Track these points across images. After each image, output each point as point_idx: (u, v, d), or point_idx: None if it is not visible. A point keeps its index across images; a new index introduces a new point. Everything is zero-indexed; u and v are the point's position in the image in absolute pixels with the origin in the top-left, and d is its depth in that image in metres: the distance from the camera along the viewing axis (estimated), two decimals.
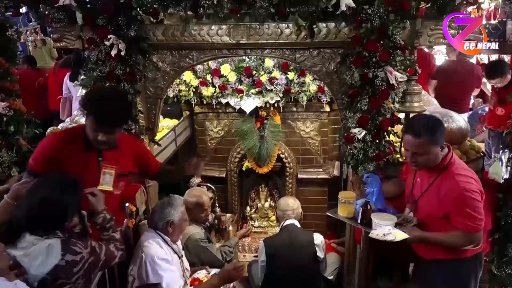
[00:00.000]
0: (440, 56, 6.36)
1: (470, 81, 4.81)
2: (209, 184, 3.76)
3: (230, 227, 4.02)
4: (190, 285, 2.83)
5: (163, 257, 2.43)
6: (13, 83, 2.88)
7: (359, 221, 2.44)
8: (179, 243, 2.73)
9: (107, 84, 2.68)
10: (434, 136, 2.14)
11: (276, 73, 3.66)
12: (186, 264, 2.79)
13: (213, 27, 2.63)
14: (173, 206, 2.57)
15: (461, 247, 2.22)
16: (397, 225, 2.28)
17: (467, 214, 2.11)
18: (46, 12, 2.65)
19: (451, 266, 2.29)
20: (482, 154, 2.92)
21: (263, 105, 3.78)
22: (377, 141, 2.60)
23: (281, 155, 3.98)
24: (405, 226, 2.29)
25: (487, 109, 5.07)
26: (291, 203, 3.15)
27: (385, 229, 2.21)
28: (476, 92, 5.17)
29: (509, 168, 2.61)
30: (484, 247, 2.37)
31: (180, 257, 2.67)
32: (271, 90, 3.69)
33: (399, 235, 2.18)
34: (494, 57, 6.76)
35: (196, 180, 4.05)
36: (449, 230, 2.18)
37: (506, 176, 2.63)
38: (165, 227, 2.54)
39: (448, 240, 2.21)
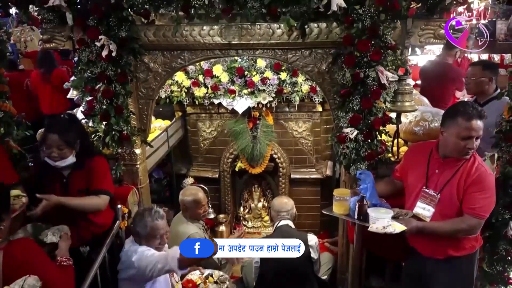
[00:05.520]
0: (431, 56, 6.39)
1: (445, 81, 4.79)
2: (202, 185, 3.76)
3: (223, 227, 4.03)
4: (183, 287, 2.82)
5: (146, 249, 2.37)
6: (2, 84, 2.85)
7: (355, 217, 2.44)
8: (165, 249, 2.63)
9: (97, 86, 2.66)
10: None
11: (268, 74, 3.67)
12: None
13: (204, 27, 2.62)
14: (142, 217, 2.44)
15: (458, 233, 2.23)
16: (393, 219, 2.28)
17: (481, 197, 2.15)
18: (36, 13, 2.63)
19: (462, 261, 2.31)
20: None
21: (256, 106, 3.79)
22: (369, 140, 2.60)
23: (274, 155, 3.99)
24: (402, 218, 2.30)
25: None
26: (285, 204, 3.15)
27: (384, 221, 2.21)
28: (460, 94, 5.12)
29: (499, 166, 2.63)
30: None
31: None
32: (264, 91, 3.69)
33: (398, 227, 2.18)
34: (484, 56, 6.86)
35: (189, 180, 4.05)
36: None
37: (495, 174, 2.66)
38: (135, 237, 2.48)
39: (447, 226, 2.22)
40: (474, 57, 6.67)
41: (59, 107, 5.20)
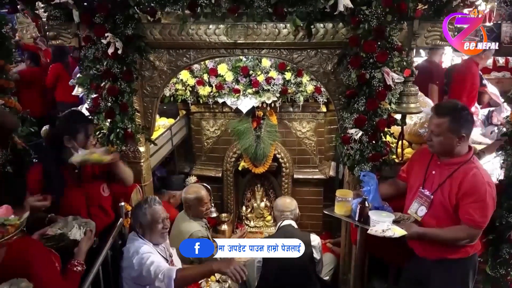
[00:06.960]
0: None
1: (428, 81, 4.79)
2: (205, 184, 3.76)
3: (226, 227, 4.03)
4: None
5: (148, 251, 2.35)
6: (8, 81, 2.85)
7: (356, 219, 2.44)
8: (167, 245, 2.63)
9: (103, 83, 2.67)
10: (455, 122, 2.15)
11: (273, 73, 3.66)
12: (178, 264, 2.76)
13: (210, 26, 2.62)
14: (140, 207, 2.47)
15: (458, 241, 2.23)
16: (394, 223, 2.28)
17: (478, 207, 2.13)
18: (42, 10, 2.64)
19: (455, 265, 2.30)
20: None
21: (260, 105, 3.79)
22: (373, 141, 2.60)
23: (277, 155, 3.99)
24: (403, 223, 2.29)
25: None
26: (288, 204, 3.16)
27: (384, 225, 2.21)
28: None
29: (503, 169, 2.62)
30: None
31: (167, 260, 2.57)
32: (268, 90, 3.69)
33: (398, 231, 2.18)
34: (489, 59, 6.81)
35: (192, 179, 4.05)
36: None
37: (500, 177, 2.65)
38: (138, 229, 2.47)
39: (447, 234, 2.22)
40: None
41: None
